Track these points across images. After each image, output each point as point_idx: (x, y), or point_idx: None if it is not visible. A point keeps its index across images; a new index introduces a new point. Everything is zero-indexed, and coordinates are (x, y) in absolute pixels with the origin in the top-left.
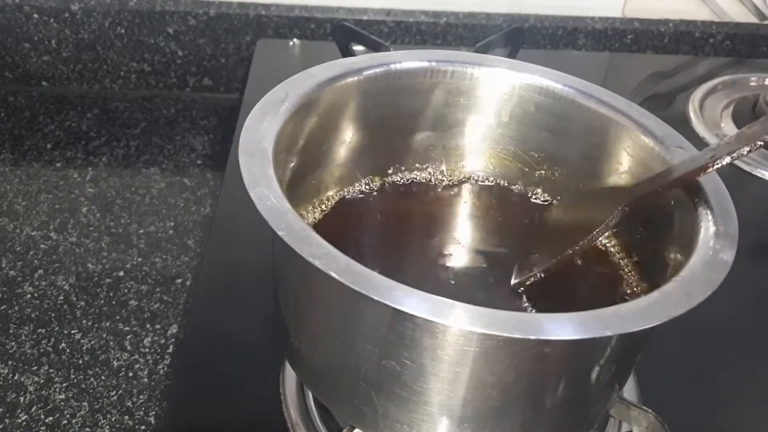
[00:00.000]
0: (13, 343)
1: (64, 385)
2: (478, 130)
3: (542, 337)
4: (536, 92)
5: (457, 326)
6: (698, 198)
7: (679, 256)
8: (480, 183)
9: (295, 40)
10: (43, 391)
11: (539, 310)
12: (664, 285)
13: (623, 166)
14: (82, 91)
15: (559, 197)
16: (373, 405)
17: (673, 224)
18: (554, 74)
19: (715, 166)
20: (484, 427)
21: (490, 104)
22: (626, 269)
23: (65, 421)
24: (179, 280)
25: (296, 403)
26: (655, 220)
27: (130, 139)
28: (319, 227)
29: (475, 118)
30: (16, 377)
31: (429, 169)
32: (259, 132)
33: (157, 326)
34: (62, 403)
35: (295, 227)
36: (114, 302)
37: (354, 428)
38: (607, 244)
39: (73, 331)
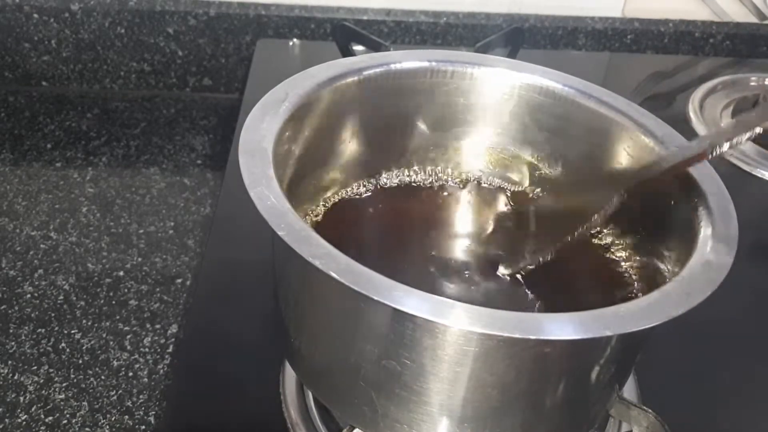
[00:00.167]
0: (12, 343)
1: (64, 384)
2: (477, 130)
3: (542, 337)
4: (536, 92)
5: (457, 326)
6: (698, 198)
7: (679, 256)
8: (479, 183)
9: (295, 40)
10: (43, 391)
11: (539, 310)
12: (664, 285)
13: (623, 166)
14: (82, 91)
15: (556, 186)
16: (373, 405)
17: (673, 224)
18: (554, 74)
19: (715, 153)
20: (484, 427)
21: (490, 104)
22: (626, 269)
23: (65, 421)
24: (179, 280)
25: (296, 403)
26: (655, 220)
27: (130, 139)
28: (319, 227)
29: (474, 118)
30: (15, 377)
31: (429, 169)
32: (259, 132)
33: (157, 326)
34: (62, 403)
35: (295, 227)
36: (114, 302)
37: (354, 428)
38: (607, 244)
39: (73, 331)
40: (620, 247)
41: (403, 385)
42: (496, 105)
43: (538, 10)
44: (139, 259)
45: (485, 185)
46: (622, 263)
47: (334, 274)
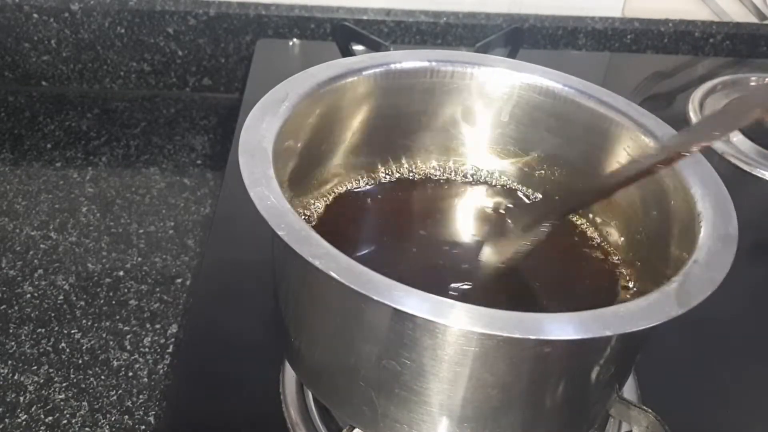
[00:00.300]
0: (12, 343)
1: (64, 384)
2: (477, 130)
3: (542, 337)
4: (536, 92)
5: (457, 326)
6: (698, 198)
7: (679, 255)
8: (479, 183)
9: (295, 40)
10: (43, 391)
11: (539, 310)
12: (664, 285)
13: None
14: (82, 91)
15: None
16: (373, 405)
17: (673, 224)
18: (554, 74)
19: (713, 140)
20: (484, 427)
21: (490, 104)
22: (626, 269)
23: (65, 421)
24: (179, 280)
25: (296, 403)
26: (655, 220)
27: (130, 139)
28: (318, 227)
29: (474, 118)
30: (15, 377)
31: (429, 169)
32: (259, 132)
33: (157, 326)
34: (62, 403)
35: (295, 227)
36: (114, 302)
37: (354, 428)
38: (607, 244)
39: (72, 331)
40: (620, 246)
41: (403, 385)
42: (496, 105)
43: (538, 10)
44: (139, 259)
45: (485, 185)
46: (622, 262)
47: (334, 274)
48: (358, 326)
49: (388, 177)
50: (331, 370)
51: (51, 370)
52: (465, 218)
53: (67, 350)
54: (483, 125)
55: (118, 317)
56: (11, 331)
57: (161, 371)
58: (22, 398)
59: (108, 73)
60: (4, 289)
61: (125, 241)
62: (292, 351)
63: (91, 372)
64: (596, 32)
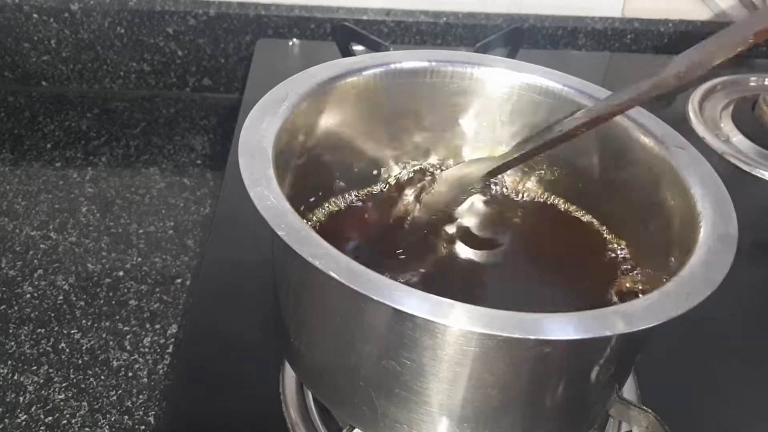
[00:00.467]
0: (12, 343)
1: (64, 385)
2: (477, 130)
3: (542, 337)
4: (536, 92)
5: (456, 326)
6: (698, 198)
7: (679, 255)
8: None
9: (294, 40)
10: (43, 391)
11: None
12: (664, 285)
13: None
14: (81, 91)
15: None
16: (373, 405)
17: (673, 224)
18: (554, 74)
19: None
20: (484, 427)
21: (490, 104)
22: (626, 269)
23: (65, 421)
24: (179, 280)
25: (296, 403)
26: (655, 219)
27: (130, 139)
28: (318, 227)
29: (474, 118)
30: (15, 377)
31: (428, 169)
32: (259, 132)
33: (157, 326)
34: (62, 403)
35: (294, 227)
36: (114, 302)
37: (354, 428)
38: (607, 244)
39: (72, 331)
40: (620, 247)
41: (403, 385)
42: (496, 105)
43: (538, 10)
44: (139, 259)
45: (485, 185)
46: (622, 264)
47: (333, 274)
48: (358, 326)
49: (387, 177)
50: (331, 370)
51: (51, 370)
52: (465, 219)
53: (67, 350)
54: (483, 125)
55: (118, 317)
56: (11, 331)
57: (161, 371)
58: (21, 398)
59: (108, 73)
60: (4, 289)
61: (125, 241)
62: (292, 351)
63: (90, 372)
64: (596, 32)
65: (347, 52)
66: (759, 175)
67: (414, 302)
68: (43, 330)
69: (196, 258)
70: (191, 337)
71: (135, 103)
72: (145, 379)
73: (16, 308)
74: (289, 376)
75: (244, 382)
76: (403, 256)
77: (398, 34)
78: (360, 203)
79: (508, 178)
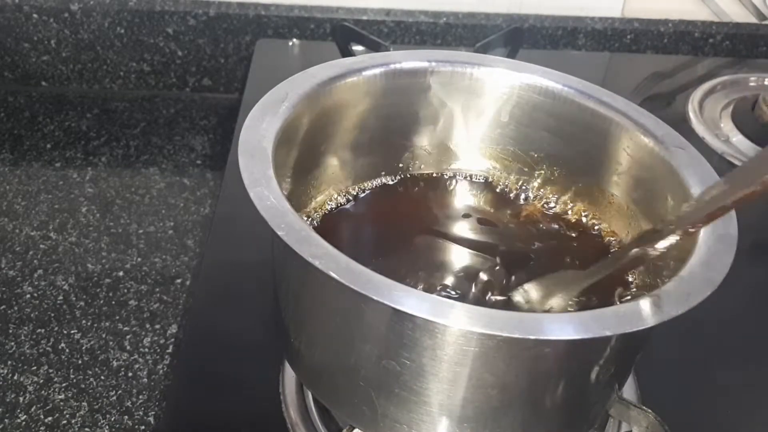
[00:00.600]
0: (12, 343)
1: (64, 385)
2: (477, 130)
3: (542, 337)
4: (536, 92)
5: (456, 326)
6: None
7: (678, 255)
8: (479, 183)
9: (294, 40)
10: (43, 391)
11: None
12: (664, 285)
13: (623, 167)
14: (81, 91)
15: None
16: (373, 405)
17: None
18: (554, 74)
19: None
20: (484, 427)
21: (490, 104)
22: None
23: (65, 421)
24: (179, 280)
25: (296, 403)
26: (655, 219)
27: (130, 139)
28: (318, 227)
29: (474, 118)
30: (15, 377)
31: (428, 169)
32: (259, 132)
33: (157, 326)
34: (62, 403)
35: (294, 227)
36: (113, 302)
37: (354, 428)
38: (607, 245)
39: (72, 331)
40: (620, 246)
41: (403, 385)
42: (495, 105)
43: (538, 10)
44: (139, 260)
45: (485, 185)
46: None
47: (333, 274)
48: (358, 326)
49: (387, 177)
50: (331, 370)
51: (51, 371)
52: (465, 219)
53: (67, 350)
54: (483, 125)
55: (117, 317)
56: (11, 331)
57: (161, 371)
58: (21, 398)
59: (108, 73)
60: (4, 289)
61: (125, 241)
62: (292, 351)
63: (90, 372)
64: (596, 32)
65: (347, 52)
66: None
67: (414, 302)
68: (43, 330)
69: (196, 258)
70: (191, 337)
71: (135, 103)
72: (145, 380)
73: (16, 308)
74: (289, 376)
75: (244, 382)
76: (403, 257)
77: (398, 34)
78: (360, 203)
79: (509, 178)
